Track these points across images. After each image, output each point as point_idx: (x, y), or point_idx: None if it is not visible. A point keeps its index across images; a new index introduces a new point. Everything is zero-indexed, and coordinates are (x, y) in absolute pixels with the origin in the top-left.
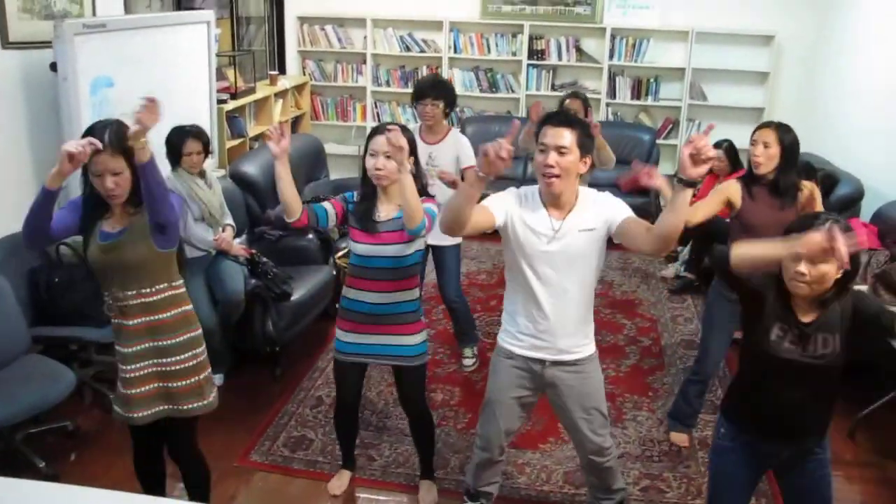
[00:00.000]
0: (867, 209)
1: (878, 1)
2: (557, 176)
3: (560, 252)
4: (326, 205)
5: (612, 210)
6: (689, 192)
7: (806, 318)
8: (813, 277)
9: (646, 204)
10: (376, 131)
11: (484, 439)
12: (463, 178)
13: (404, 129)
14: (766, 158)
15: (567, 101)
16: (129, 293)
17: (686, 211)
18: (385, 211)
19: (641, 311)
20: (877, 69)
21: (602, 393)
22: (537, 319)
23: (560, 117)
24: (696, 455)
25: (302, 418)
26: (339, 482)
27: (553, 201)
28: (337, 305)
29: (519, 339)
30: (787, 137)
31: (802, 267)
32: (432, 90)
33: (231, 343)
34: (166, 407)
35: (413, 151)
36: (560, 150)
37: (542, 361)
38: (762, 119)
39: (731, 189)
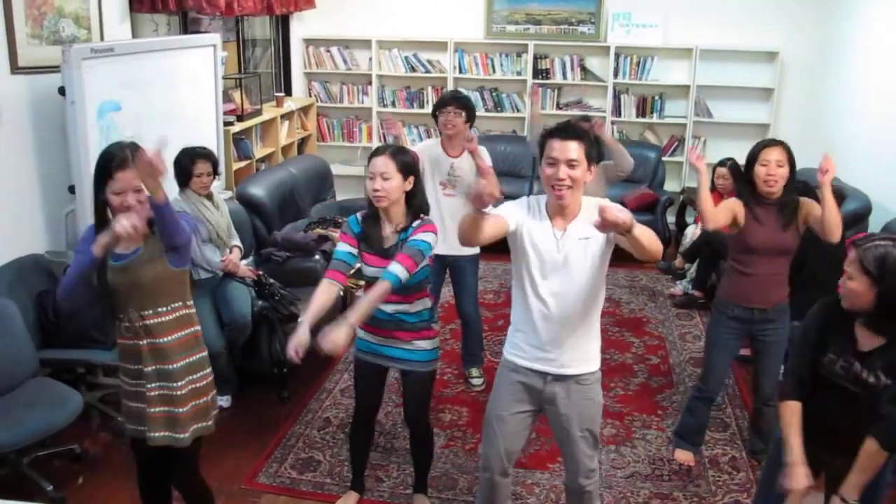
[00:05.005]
0: (875, 225)
1: (883, 16)
2: (569, 188)
3: (562, 261)
4: (344, 247)
5: None
6: (636, 230)
7: (865, 347)
8: (843, 292)
9: (651, 222)
10: (375, 153)
11: (484, 458)
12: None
13: (403, 151)
14: (781, 178)
15: None
16: (147, 313)
17: (647, 235)
18: (389, 232)
19: (649, 330)
20: (881, 84)
21: (599, 416)
22: (541, 330)
23: (568, 130)
24: (707, 474)
25: (310, 440)
26: None
27: (559, 212)
28: None
29: (524, 350)
30: (792, 156)
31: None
32: (455, 100)
33: (238, 365)
34: (168, 434)
35: (415, 171)
36: (570, 164)
37: (544, 375)
38: (767, 135)
39: (738, 207)
